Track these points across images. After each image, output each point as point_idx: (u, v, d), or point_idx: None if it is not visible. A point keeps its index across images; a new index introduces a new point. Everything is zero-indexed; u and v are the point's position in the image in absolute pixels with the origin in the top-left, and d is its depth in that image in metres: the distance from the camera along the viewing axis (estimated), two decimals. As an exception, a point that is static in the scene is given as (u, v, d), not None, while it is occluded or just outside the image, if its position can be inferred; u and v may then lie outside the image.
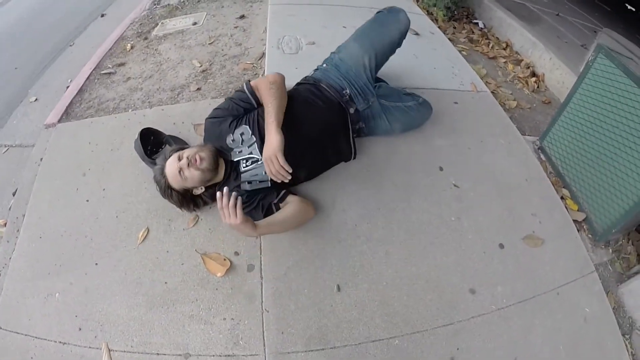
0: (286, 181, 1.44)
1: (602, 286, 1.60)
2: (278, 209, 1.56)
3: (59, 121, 2.30)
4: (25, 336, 1.47)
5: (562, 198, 1.86)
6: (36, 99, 2.87)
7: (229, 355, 1.36)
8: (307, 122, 1.62)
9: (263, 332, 1.39)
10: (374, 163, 1.85)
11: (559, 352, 1.42)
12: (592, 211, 1.78)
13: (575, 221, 1.78)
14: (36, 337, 1.46)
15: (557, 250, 1.66)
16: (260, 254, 1.56)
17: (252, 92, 1.61)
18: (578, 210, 1.83)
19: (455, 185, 1.80)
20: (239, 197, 1.27)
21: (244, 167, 1.61)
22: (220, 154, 1.61)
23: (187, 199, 1.60)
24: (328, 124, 1.68)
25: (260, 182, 1.59)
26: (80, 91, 2.50)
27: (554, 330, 1.46)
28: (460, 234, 1.65)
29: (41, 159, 2.09)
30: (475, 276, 1.55)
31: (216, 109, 1.68)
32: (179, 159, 1.50)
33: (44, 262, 1.66)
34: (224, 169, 1.60)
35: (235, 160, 1.62)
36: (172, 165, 1.51)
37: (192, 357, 1.37)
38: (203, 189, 1.60)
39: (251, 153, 1.60)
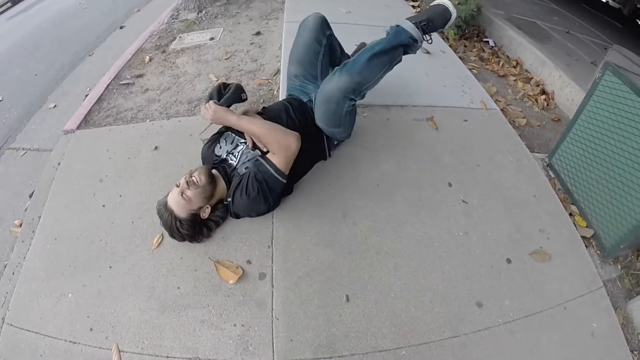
0: None
1: (610, 302, 1.59)
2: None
3: (78, 128, 2.38)
4: (35, 334, 1.50)
5: (570, 214, 1.87)
6: (55, 106, 2.96)
7: (238, 361, 1.38)
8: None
9: (272, 339, 1.42)
10: (384, 179, 1.89)
11: (566, 367, 1.42)
12: (600, 227, 1.79)
13: (583, 237, 1.79)
14: (47, 336, 1.49)
15: (565, 266, 1.67)
16: (272, 263, 1.60)
17: None
18: (586, 227, 1.84)
19: (463, 201, 1.83)
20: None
21: (235, 161, 1.69)
22: (215, 167, 1.70)
23: (198, 224, 1.61)
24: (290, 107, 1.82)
25: (255, 161, 1.64)
26: (99, 100, 2.58)
27: (562, 345, 1.46)
28: (468, 248, 1.67)
29: (59, 164, 2.16)
30: (483, 290, 1.56)
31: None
32: (177, 186, 1.56)
33: (58, 263, 1.70)
34: (222, 179, 1.67)
35: (224, 157, 1.73)
36: (173, 194, 1.57)
37: (201, 361, 1.39)
38: (209, 209, 1.62)
39: (233, 142, 1.76)
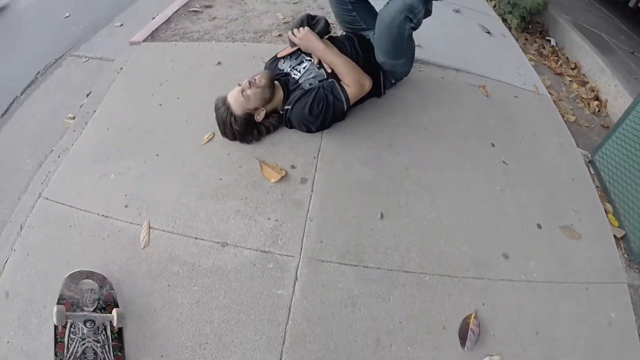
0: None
1: (630, 300, 1.56)
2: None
3: (144, 41, 2.48)
4: (69, 207, 1.54)
5: (604, 211, 1.86)
6: (121, 25, 3.08)
7: (265, 252, 1.43)
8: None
9: (303, 237, 1.47)
10: (432, 124, 1.94)
11: (579, 342, 1.40)
12: (631, 230, 1.77)
13: (614, 237, 1.77)
14: (80, 209, 1.54)
15: (593, 250, 1.66)
16: (315, 171, 1.65)
17: None
18: (618, 227, 1.83)
19: (504, 162, 1.85)
20: None
21: (298, 76, 1.77)
22: (276, 79, 1.77)
23: (251, 125, 1.69)
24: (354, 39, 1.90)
25: (320, 80, 1.73)
26: (167, 21, 2.69)
27: (578, 321, 1.45)
28: (502, 203, 1.69)
29: (121, 68, 2.24)
30: (511, 244, 1.58)
31: None
32: (239, 85, 1.65)
33: (106, 148, 1.76)
34: (281, 90, 1.74)
35: (287, 71, 1.81)
36: (233, 91, 1.66)
37: (229, 246, 1.44)
38: (264, 112, 1.69)
39: (297, 58, 1.85)
